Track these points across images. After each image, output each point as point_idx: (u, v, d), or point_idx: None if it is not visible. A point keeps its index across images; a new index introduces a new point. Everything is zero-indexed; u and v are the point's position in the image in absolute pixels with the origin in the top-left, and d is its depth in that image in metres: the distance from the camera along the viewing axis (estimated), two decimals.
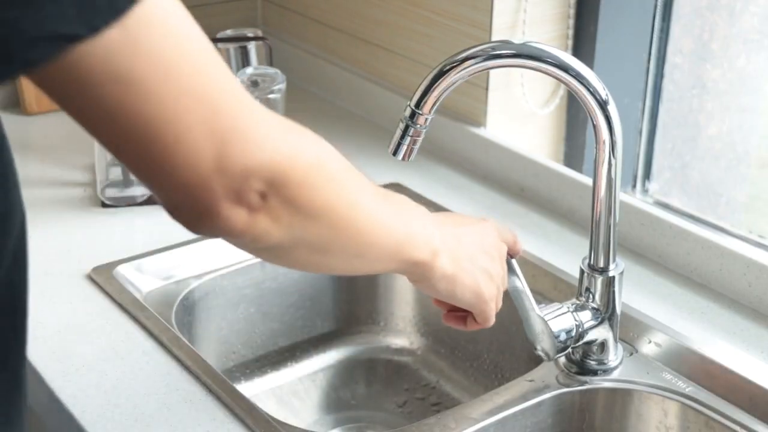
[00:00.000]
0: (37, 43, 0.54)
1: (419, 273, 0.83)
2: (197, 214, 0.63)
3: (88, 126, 0.60)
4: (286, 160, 0.64)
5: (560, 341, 0.96)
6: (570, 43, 1.43)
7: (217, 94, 0.61)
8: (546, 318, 0.96)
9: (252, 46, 1.43)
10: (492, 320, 0.91)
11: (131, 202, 1.31)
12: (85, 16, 0.55)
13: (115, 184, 1.32)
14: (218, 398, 0.97)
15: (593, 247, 0.98)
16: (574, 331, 0.97)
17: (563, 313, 0.97)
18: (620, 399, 1.01)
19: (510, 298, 0.97)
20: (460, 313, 0.92)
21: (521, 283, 0.95)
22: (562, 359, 1.02)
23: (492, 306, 0.90)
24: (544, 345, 0.97)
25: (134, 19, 0.56)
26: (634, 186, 1.43)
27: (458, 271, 0.85)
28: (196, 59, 0.60)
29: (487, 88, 1.40)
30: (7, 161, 0.68)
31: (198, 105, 0.59)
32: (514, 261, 0.95)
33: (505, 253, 0.93)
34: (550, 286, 1.16)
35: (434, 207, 1.32)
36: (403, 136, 0.95)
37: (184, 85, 0.59)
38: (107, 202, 1.31)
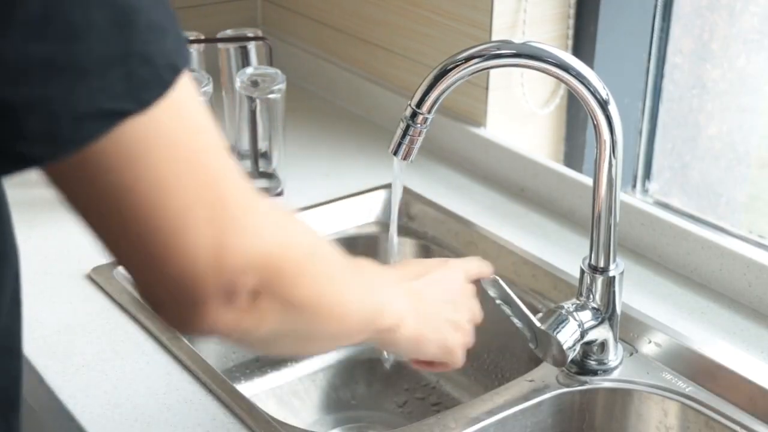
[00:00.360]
0: (85, 121, 0.51)
1: (387, 339, 0.84)
2: (185, 312, 0.60)
3: (86, 209, 0.57)
4: (281, 253, 0.63)
5: (570, 348, 0.96)
6: (570, 43, 1.43)
7: (222, 184, 0.58)
8: (549, 329, 0.95)
9: (252, 46, 1.43)
10: (459, 363, 0.92)
11: None
12: (134, 91, 0.52)
13: None
14: (218, 398, 0.97)
15: (593, 247, 0.98)
16: (578, 332, 0.97)
17: (564, 320, 0.97)
18: (620, 399, 1.01)
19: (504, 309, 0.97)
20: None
21: (515, 303, 0.96)
22: None
23: (458, 353, 0.91)
24: (555, 356, 0.96)
25: (164, 102, 0.54)
26: (634, 186, 1.43)
27: (422, 329, 0.86)
28: (207, 149, 0.58)
29: (487, 88, 1.40)
30: (4, 202, 0.67)
31: (204, 195, 0.57)
32: (502, 282, 0.95)
33: (471, 292, 0.94)
34: (550, 286, 1.16)
35: (434, 207, 1.32)
36: (403, 136, 0.95)
37: (194, 175, 0.57)
38: None
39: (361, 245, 1.32)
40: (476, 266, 0.97)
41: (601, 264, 0.98)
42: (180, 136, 0.55)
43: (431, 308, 0.88)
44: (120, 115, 0.52)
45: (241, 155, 1.34)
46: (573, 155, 1.49)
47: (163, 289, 0.59)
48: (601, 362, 1.01)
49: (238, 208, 0.59)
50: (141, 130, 0.53)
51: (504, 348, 1.21)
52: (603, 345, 1.01)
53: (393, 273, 0.88)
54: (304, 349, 0.76)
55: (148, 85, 0.53)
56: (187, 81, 0.56)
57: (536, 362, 1.03)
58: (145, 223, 0.56)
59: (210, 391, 0.98)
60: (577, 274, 1.00)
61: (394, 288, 0.85)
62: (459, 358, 0.92)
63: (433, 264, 0.93)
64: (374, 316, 0.80)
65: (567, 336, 0.96)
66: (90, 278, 1.15)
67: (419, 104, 0.93)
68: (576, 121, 1.48)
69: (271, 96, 1.30)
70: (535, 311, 0.97)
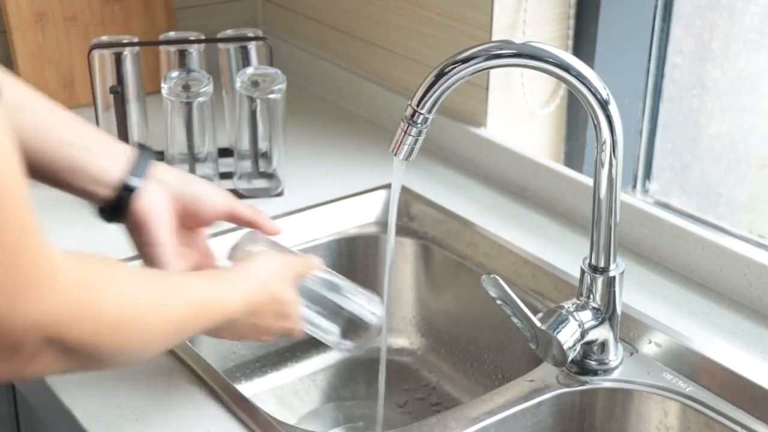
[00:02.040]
0: None
1: None
2: None
3: None
4: (66, 320, 0.64)
5: (570, 348, 0.96)
6: (570, 43, 1.43)
7: (13, 248, 0.59)
8: (549, 329, 0.95)
9: (252, 46, 1.43)
10: (266, 338, 0.95)
11: None
12: None
13: None
14: (218, 398, 0.97)
15: (594, 247, 0.98)
16: (579, 333, 0.97)
17: (565, 320, 0.97)
18: (620, 399, 1.01)
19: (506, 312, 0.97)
20: None
21: (515, 303, 0.96)
22: None
23: (264, 337, 0.94)
24: (556, 356, 0.96)
25: None
26: (634, 186, 1.43)
27: (227, 335, 0.93)
28: (8, 189, 0.58)
29: (487, 88, 1.40)
30: None
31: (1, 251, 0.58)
32: (502, 282, 0.95)
33: (288, 309, 0.94)
34: (551, 286, 1.16)
35: (434, 207, 1.32)
36: (403, 136, 0.95)
37: None
38: None
39: (361, 245, 1.32)
40: (305, 265, 0.97)
41: (602, 264, 0.98)
42: None
43: (243, 328, 0.91)
44: None
45: (241, 155, 1.34)
46: (573, 155, 1.50)
47: None
48: (601, 362, 1.01)
49: (30, 274, 0.60)
50: None
51: (504, 348, 1.22)
52: (603, 345, 1.01)
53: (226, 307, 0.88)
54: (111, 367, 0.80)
55: None
56: None
57: (536, 362, 1.03)
58: None
59: (210, 391, 0.98)
60: (578, 274, 1.00)
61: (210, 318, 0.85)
62: (264, 338, 0.95)
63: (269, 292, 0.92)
64: (177, 339, 0.82)
65: (567, 336, 0.96)
66: None
67: (419, 104, 0.93)
68: (576, 121, 1.48)
69: (271, 96, 1.30)
70: (535, 311, 0.97)
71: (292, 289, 0.94)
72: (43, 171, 0.86)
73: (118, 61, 1.36)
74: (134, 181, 0.90)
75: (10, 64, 1.56)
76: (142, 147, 0.94)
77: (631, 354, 1.04)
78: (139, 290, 0.75)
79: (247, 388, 1.24)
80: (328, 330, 0.98)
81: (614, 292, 0.99)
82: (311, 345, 1.31)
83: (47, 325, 0.62)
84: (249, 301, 0.89)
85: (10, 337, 0.61)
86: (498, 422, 0.96)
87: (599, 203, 0.97)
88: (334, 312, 0.98)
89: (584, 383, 1.00)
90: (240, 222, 1.01)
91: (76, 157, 0.88)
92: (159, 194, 0.92)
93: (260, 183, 1.36)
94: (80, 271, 0.67)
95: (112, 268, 0.73)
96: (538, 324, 0.96)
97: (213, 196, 0.98)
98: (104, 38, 1.38)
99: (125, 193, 0.90)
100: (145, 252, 0.94)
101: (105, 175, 0.89)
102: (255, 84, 1.31)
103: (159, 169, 0.94)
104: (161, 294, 0.78)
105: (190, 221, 0.97)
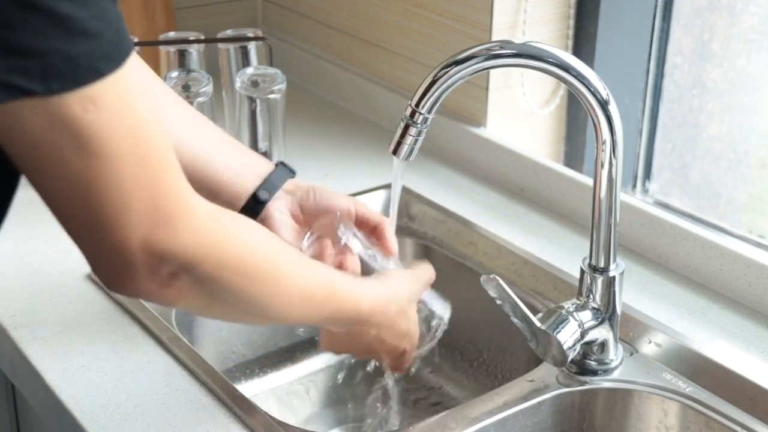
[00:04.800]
0: None
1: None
2: (116, 278, 0.70)
3: (37, 169, 0.65)
4: (201, 254, 0.72)
5: (570, 348, 0.96)
6: (570, 43, 1.43)
7: (161, 186, 0.68)
8: (549, 329, 0.95)
9: (252, 46, 1.43)
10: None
11: None
12: (47, 78, 0.61)
13: None
14: (218, 398, 0.97)
15: (594, 247, 0.98)
16: (579, 333, 0.97)
17: (564, 320, 0.97)
18: (620, 399, 1.01)
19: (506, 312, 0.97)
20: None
21: (515, 303, 0.96)
22: None
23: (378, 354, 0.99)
24: (555, 356, 0.96)
25: (103, 87, 0.63)
26: (634, 186, 1.43)
27: (347, 349, 1.01)
28: (150, 149, 0.67)
29: (487, 88, 1.40)
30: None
31: (143, 194, 0.67)
32: (502, 282, 0.95)
33: (412, 329, 0.98)
34: (551, 286, 1.16)
35: (434, 207, 1.32)
36: (403, 136, 0.95)
37: (137, 173, 0.66)
38: None
39: None
40: (425, 278, 1.01)
41: (602, 264, 0.98)
42: (122, 132, 0.65)
43: (365, 334, 0.95)
44: (19, 91, 0.61)
45: None
46: (573, 155, 1.50)
47: (100, 254, 0.69)
48: (601, 362, 1.01)
49: (169, 210, 0.69)
50: (78, 110, 0.62)
51: (504, 348, 1.21)
52: (603, 345, 1.01)
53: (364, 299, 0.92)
54: (244, 322, 0.89)
55: (61, 77, 0.61)
56: (127, 81, 0.65)
57: (536, 362, 1.03)
58: (91, 204, 0.66)
59: (210, 391, 0.98)
60: (577, 274, 1.00)
61: (334, 310, 0.90)
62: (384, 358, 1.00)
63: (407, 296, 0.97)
64: (302, 309, 0.87)
65: (567, 336, 0.96)
66: (90, 278, 1.15)
67: (419, 104, 0.93)
68: (576, 121, 1.48)
69: (271, 96, 1.30)
70: (535, 311, 0.97)
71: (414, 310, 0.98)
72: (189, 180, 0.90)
73: None
74: (264, 195, 0.99)
75: None
76: (282, 165, 1.02)
77: (631, 354, 1.04)
78: (270, 246, 0.82)
79: (247, 388, 1.24)
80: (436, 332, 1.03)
81: (614, 292, 0.99)
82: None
83: (179, 255, 0.70)
84: (381, 306, 0.92)
85: (150, 259, 0.69)
86: (498, 422, 0.96)
87: (599, 203, 0.97)
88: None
89: (584, 383, 1.00)
90: (365, 226, 1.03)
91: (224, 177, 0.98)
92: (284, 202, 1.00)
93: None
94: (215, 216, 0.75)
95: (247, 222, 0.81)
96: (538, 324, 0.96)
97: (338, 200, 1.02)
98: None
99: (257, 204, 0.99)
100: None
101: (245, 192, 0.99)
102: (255, 84, 1.31)
103: (289, 182, 1.02)
104: (293, 258, 0.85)
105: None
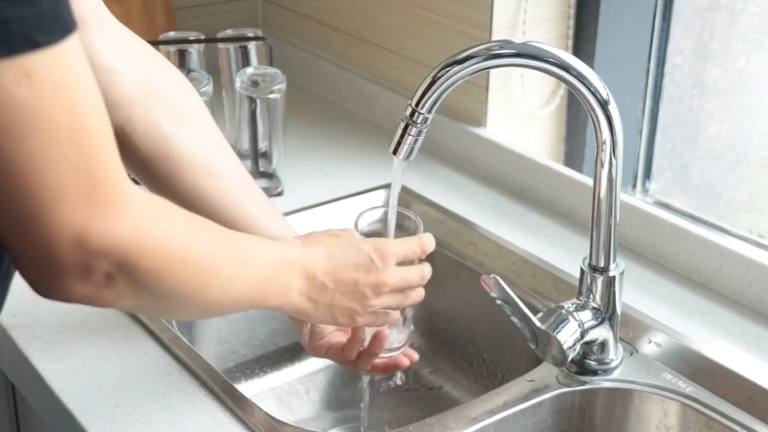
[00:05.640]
0: None
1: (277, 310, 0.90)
2: (44, 279, 0.64)
3: None
4: (141, 247, 0.67)
5: (570, 348, 0.96)
6: (570, 43, 1.43)
7: (97, 174, 0.63)
8: (549, 329, 0.95)
9: (252, 46, 1.43)
10: (359, 324, 0.95)
11: None
12: None
13: None
14: (218, 398, 0.97)
15: (593, 247, 0.98)
16: (579, 332, 0.97)
17: (564, 320, 0.96)
18: (620, 399, 1.01)
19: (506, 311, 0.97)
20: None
21: (515, 303, 0.96)
22: None
23: (357, 322, 0.93)
24: (555, 355, 0.96)
25: (40, 61, 0.58)
26: (634, 186, 1.43)
27: (313, 311, 0.90)
28: (85, 134, 0.62)
29: (487, 88, 1.40)
30: None
31: (77, 181, 0.62)
32: (502, 282, 0.95)
33: (386, 273, 0.93)
34: (551, 286, 1.16)
35: (434, 207, 1.32)
36: (403, 136, 0.95)
37: (70, 159, 0.61)
38: None
39: None
40: (413, 245, 0.97)
41: (601, 264, 0.98)
42: (57, 113, 0.60)
43: (330, 298, 0.90)
44: None
45: (241, 155, 1.34)
46: (573, 155, 1.50)
47: (28, 254, 0.63)
48: (601, 362, 1.01)
49: (106, 199, 0.63)
50: (20, 92, 0.58)
51: (504, 348, 1.22)
52: (603, 345, 1.01)
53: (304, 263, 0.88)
54: (179, 317, 0.83)
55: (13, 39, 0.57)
56: (68, 60, 0.60)
57: (536, 362, 1.03)
58: (19, 191, 0.60)
59: (210, 391, 0.98)
60: (577, 274, 1.00)
61: (289, 272, 0.86)
62: (359, 324, 0.95)
63: (355, 246, 0.93)
64: (255, 303, 0.84)
65: (567, 336, 0.96)
66: None
67: (419, 104, 0.93)
68: (576, 121, 1.48)
69: (271, 96, 1.30)
70: (535, 311, 0.97)
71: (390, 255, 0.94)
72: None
73: None
74: None
75: None
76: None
77: (631, 354, 1.04)
78: (213, 234, 0.77)
79: (247, 388, 1.24)
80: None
81: (614, 292, 0.99)
82: None
83: (118, 249, 0.65)
84: (326, 250, 0.89)
85: (84, 257, 0.63)
86: (498, 422, 0.96)
87: (599, 203, 0.97)
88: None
89: (584, 383, 1.00)
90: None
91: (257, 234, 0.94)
92: None
93: (260, 183, 1.35)
94: (154, 206, 0.70)
95: (185, 212, 0.75)
96: (538, 324, 0.96)
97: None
98: None
99: None
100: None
101: None
102: (255, 84, 1.31)
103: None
104: (233, 241, 0.80)
105: None
